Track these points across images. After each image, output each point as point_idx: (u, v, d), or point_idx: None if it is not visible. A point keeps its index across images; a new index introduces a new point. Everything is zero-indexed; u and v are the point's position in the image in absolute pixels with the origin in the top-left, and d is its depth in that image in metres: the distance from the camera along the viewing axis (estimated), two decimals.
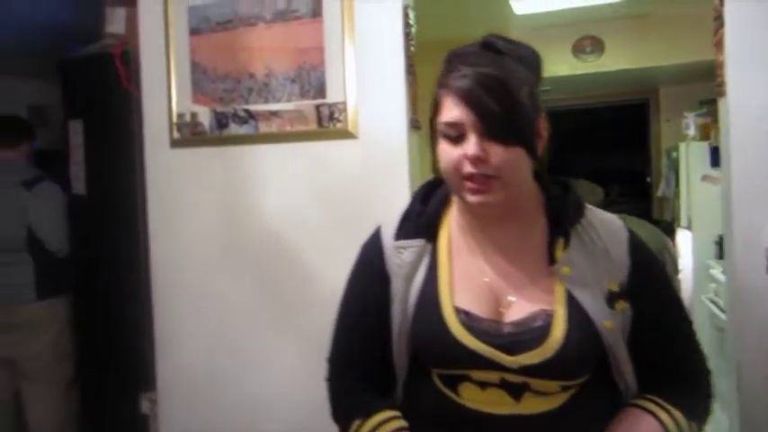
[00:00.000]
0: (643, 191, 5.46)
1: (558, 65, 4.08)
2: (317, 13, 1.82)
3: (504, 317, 0.94)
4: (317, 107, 1.84)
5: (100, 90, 2.34)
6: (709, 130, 3.86)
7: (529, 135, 0.90)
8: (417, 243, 1.00)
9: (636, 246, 0.99)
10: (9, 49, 2.99)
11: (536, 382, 0.91)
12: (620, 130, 6.00)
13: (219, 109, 1.95)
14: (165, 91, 2.01)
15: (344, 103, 1.80)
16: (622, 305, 0.95)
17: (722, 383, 1.48)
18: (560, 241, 0.96)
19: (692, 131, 4.03)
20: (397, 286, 1.00)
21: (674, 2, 3.71)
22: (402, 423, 1.00)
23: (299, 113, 1.86)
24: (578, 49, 4.15)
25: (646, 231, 2.19)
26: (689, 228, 3.91)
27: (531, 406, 0.92)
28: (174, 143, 2.02)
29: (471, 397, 0.94)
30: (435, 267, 0.99)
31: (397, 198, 1.76)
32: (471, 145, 0.88)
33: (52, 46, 2.49)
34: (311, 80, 1.84)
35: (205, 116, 1.97)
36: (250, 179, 1.94)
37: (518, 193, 0.95)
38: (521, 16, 3.68)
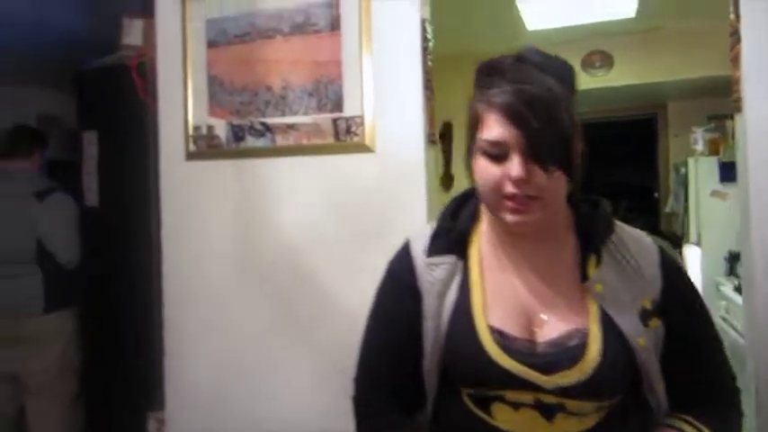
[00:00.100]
0: (651, 206, 5.45)
1: None
2: (335, 26, 1.82)
3: (536, 336, 0.93)
4: (335, 120, 1.83)
5: (116, 101, 2.34)
6: (717, 145, 3.86)
7: (570, 157, 0.89)
8: (449, 260, 1.00)
9: (667, 262, 0.98)
10: (25, 59, 2.99)
11: (571, 403, 0.90)
12: (628, 145, 5.99)
13: (236, 122, 1.95)
14: (181, 103, 2.00)
15: (362, 117, 1.80)
16: (656, 322, 0.94)
17: None
18: (592, 259, 0.95)
19: (700, 146, 4.04)
20: (429, 303, 0.98)
21: (682, 18, 3.73)
22: None
23: (315, 127, 1.85)
24: (587, 64, 4.17)
25: None
26: (698, 244, 3.89)
27: (564, 427, 0.91)
28: (190, 155, 2.01)
29: (504, 418, 0.93)
30: (468, 285, 0.98)
31: (414, 213, 1.76)
32: (516, 166, 0.87)
33: (69, 57, 2.50)
34: (329, 93, 1.84)
35: (221, 129, 1.97)
36: (266, 193, 1.92)
37: (556, 213, 0.94)
38: (531, 31, 3.70)
